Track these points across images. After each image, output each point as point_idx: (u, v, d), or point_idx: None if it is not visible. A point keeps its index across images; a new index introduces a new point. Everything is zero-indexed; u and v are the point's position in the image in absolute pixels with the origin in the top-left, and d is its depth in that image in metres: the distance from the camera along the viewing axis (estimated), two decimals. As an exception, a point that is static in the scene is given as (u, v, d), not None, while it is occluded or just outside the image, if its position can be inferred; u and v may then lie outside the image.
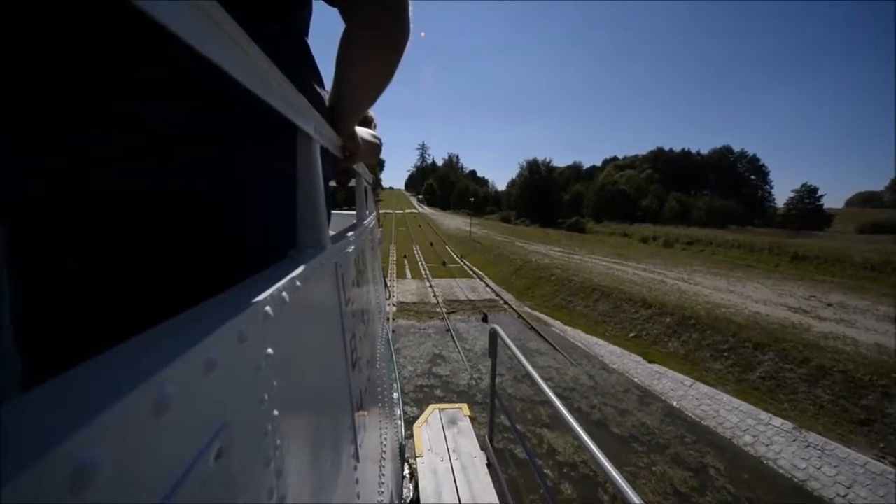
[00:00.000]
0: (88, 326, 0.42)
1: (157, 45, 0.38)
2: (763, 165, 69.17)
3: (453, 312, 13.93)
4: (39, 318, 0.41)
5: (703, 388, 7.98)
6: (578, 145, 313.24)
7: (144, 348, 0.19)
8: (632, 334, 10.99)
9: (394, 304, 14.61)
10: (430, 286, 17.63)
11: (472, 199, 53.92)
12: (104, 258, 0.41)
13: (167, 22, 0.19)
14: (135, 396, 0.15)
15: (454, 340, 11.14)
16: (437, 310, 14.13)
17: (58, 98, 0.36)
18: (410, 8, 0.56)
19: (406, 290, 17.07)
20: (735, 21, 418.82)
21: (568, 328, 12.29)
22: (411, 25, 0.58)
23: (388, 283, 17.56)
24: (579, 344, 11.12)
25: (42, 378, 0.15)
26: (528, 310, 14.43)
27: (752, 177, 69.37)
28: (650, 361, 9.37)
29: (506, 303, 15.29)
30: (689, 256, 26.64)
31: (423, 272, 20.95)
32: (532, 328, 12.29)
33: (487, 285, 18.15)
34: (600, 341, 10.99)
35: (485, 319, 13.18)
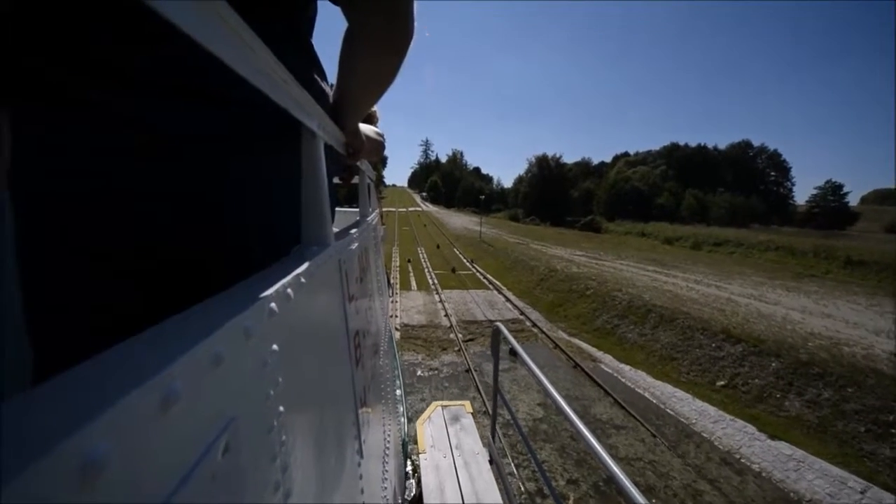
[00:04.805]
0: (96, 323, 0.42)
1: (161, 41, 0.37)
2: (784, 161, 65.81)
3: (471, 340, 11.04)
4: (49, 313, 0.41)
5: (886, 497, 5.10)
6: (585, 142, 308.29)
7: (152, 344, 0.19)
8: (720, 382, 8.09)
9: (397, 328, 11.76)
10: (440, 300, 14.77)
11: (483, 197, 50.68)
12: (109, 256, 0.41)
13: (174, 18, 0.18)
14: (143, 391, 0.15)
15: (481, 394, 8.14)
16: (451, 336, 11.27)
17: (59, 94, 0.36)
18: (414, 8, 0.53)
19: (411, 305, 14.19)
20: (747, 17, 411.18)
21: (625, 367, 9.37)
22: (415, 25, 0.55)
23: (391, 285, 14.83)
24: (651, 398, 8.06)
25: (52, 370, 0.15)
26: (564, 335, 11.53)
27: (773, 173, 65.96)
28: (770, 435, 6.47)
29: (534, 324, 12.40)
30: (731, 261, 23.65)
31: (430, 281, 18.11)
32: (576, 366, 9.36)
33: (508, 300, 15.25)
34: (678, 391, 8.08)
35: (512, 353, 10.19)
